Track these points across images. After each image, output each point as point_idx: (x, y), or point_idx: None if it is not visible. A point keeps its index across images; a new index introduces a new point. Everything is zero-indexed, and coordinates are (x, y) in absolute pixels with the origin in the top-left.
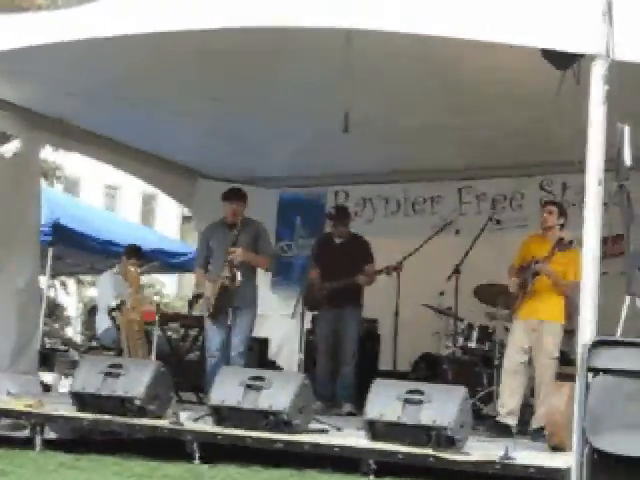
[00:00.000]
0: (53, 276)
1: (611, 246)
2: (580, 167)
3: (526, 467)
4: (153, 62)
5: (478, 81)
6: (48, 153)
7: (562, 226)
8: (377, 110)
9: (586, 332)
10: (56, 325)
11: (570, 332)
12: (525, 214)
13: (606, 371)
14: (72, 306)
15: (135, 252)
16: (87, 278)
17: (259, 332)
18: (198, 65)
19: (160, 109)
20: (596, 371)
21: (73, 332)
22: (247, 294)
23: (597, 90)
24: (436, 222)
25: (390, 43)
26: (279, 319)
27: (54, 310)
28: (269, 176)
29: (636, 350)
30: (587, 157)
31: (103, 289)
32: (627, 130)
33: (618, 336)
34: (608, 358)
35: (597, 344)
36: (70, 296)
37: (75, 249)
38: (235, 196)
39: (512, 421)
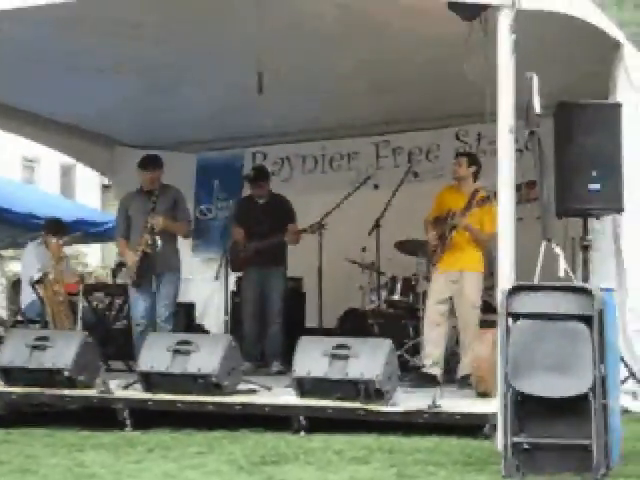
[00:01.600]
0: None
1: (525, 192)
2: (492, 117)
3: (453, 414)
4: (60, 29)
5: (388, 36)
6: None
7: (475, 175)
8: (291, 69)
9: (505, 278)
10: None
11: (490, 280)
12: (441, 164)
13: (525, 315)
14: None
15: (55, 225)
16: (9, 252)
17: (183, 297)
18: (104, 30)
19: (72, 77)
20: (516, 316)
21: None
22: (169, 259)
23: (504, 40)
24: (353, 177)
25: None
26: (202, 282)
27: None
28: (186, 140)
29: (553, 294)
30: (497, 106)
31: (27, 262)
32: (535, 78)
33: (536, 281)
34: (526, 303)
35: (516, 289)
36: None
37: None
38: (151, 163)
39: (437, 371)
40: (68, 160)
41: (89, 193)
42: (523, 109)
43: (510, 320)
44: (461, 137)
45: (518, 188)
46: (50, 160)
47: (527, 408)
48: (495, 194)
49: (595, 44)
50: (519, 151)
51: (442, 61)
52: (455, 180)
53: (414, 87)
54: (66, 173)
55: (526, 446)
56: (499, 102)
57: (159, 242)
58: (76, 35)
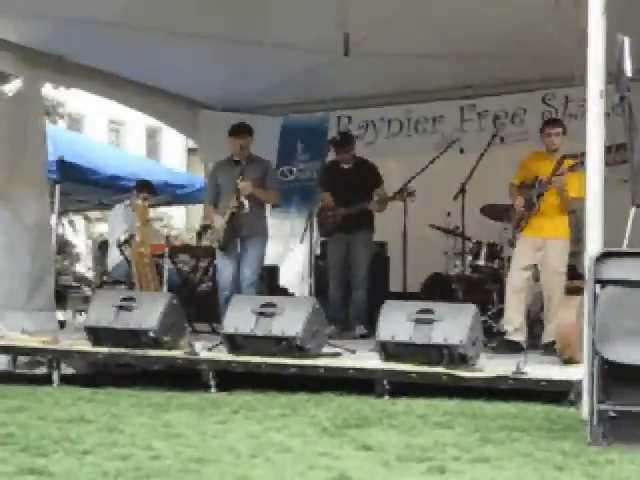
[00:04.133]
0: (61, 213)
1: (614, 154)
2: (581, 80)
3: (538, 381)
4: None
5: None
6: (49, 90)
7: None
8: (376, 31)
9: (592, 244)
10: (66, 262)
11: (577, 246)
12: (526, 127)
13: (613, 282)
14: (81, 243)
15: (146, 186)
16: (95, 214)
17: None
18: None
19: (160, 41)
20: (604, 282)
21: (84, 269)
22: (256, 224)
23: (596, 0)
24: (437, 140)
25: None
26: (275, 239)
27: (63, 247)
28: (271, 104)
29: None
30: (588, 69)
31: (114, 223)
32: (627, 41)
33: (624, 247)
34: (615, 269)
35: (604, 256)
36: (78, 233)
37: (82, 185)
38: (242, 131)
39: (520, 337)
40: (154, 123)
41: (174, 156)
42: (613, 72)
43: (598, 287)
44: (548, 101)
45: (608, 150)
46: (136, 123)
47: (613, 375)
48: (582, 155)
49: None
50: (607, 114)
51: (529, 23)
52: (551, 152)
53: (500, 50)
54: (152, 136)
55: (612, 414)
56: (589, 66)
57: (247, 205)
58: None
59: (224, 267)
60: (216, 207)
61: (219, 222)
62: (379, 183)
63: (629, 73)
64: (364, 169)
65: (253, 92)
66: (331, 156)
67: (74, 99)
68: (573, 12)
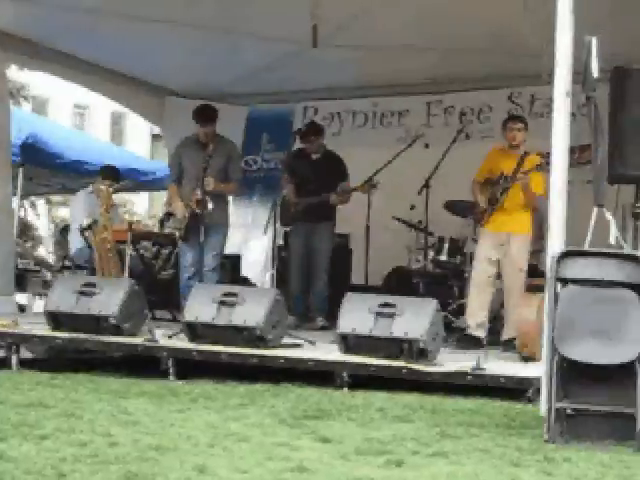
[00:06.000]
0: (23, 197)
1: (578, 155)
2: (548, 79)
3: (497, 377)
4: None
5: None
6: (13, 72)
7: None
8: (345, 24)
9: (554, 243)
10: (27, 245)
11: (539, 244)
12: (491, 125)
13: (574, 281)
14: (43, 226)
15: (111, 172)
16: (57, 198)
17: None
18: None
19: (128, 28)
20: (565, 281)
21: (45, 252)
22: (218, 212)
23: (564, 1)
24: (402, 134)
25: None
26: (239, 232)
27: (25, 231)
28: (238, 93)
29: (603, 260)
30: (555, 69)
31: (76, 208)
32: (594, 42)
33: (586, 247)
34: (576, 268)
35: (565, 254)
36: (40, 217)
37: (45, 169)
38: (206, 114)
39: (482, 333)
40: (118, 108)
41: (139, 141)
42: (580, 72)
43: (559, 285)
44: (514, 99)
45: (571, 151)
46: (101, 108)
47: (572, 374)
48: (546, 155)
49: None
50: (572, 115)
51: (498, 21)
52: (513, 147)
53: (468, 47)
54: (116, 121)
55: (569, 412)
56: (557, 64)
57: (210, 205)
58: None
59: (186, 253)
60: (179, 186)
61: (181, 211)
62: (344, 177)
63: (595, 73)
64: (331, 161)
65: (221, 81)
66: (297, 146)
67: (39, 82)
68: (542, 12)
